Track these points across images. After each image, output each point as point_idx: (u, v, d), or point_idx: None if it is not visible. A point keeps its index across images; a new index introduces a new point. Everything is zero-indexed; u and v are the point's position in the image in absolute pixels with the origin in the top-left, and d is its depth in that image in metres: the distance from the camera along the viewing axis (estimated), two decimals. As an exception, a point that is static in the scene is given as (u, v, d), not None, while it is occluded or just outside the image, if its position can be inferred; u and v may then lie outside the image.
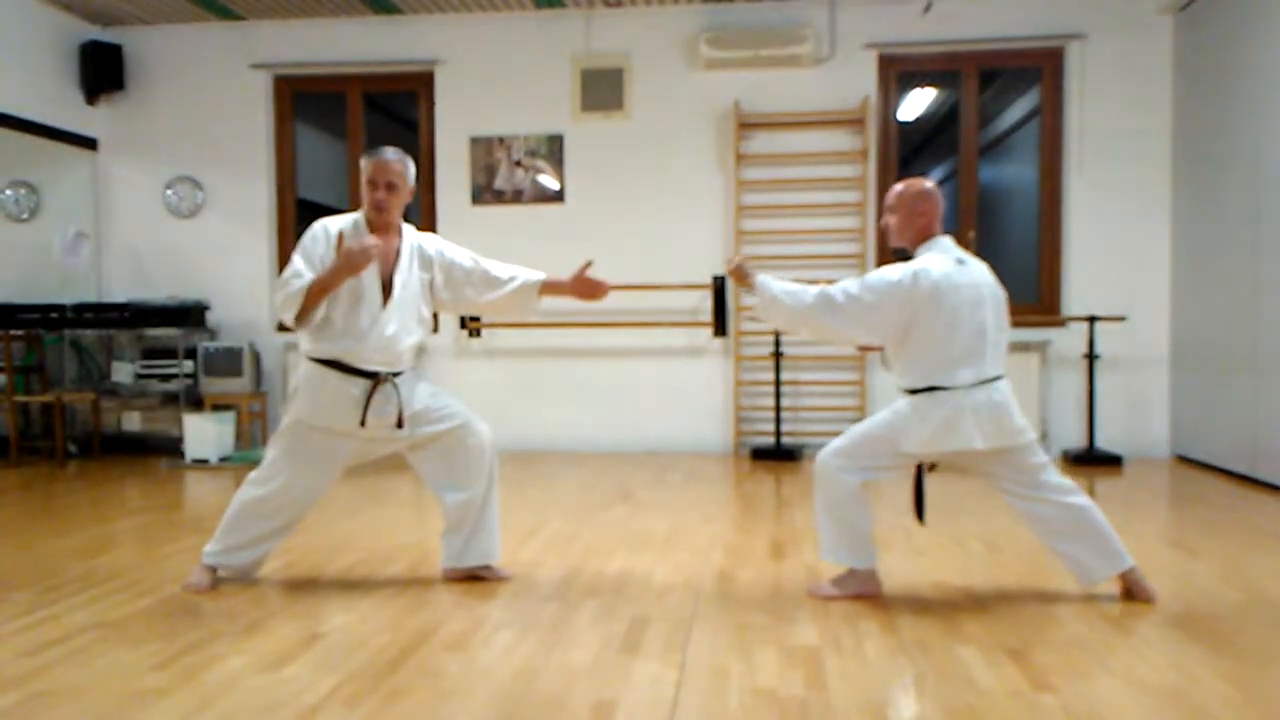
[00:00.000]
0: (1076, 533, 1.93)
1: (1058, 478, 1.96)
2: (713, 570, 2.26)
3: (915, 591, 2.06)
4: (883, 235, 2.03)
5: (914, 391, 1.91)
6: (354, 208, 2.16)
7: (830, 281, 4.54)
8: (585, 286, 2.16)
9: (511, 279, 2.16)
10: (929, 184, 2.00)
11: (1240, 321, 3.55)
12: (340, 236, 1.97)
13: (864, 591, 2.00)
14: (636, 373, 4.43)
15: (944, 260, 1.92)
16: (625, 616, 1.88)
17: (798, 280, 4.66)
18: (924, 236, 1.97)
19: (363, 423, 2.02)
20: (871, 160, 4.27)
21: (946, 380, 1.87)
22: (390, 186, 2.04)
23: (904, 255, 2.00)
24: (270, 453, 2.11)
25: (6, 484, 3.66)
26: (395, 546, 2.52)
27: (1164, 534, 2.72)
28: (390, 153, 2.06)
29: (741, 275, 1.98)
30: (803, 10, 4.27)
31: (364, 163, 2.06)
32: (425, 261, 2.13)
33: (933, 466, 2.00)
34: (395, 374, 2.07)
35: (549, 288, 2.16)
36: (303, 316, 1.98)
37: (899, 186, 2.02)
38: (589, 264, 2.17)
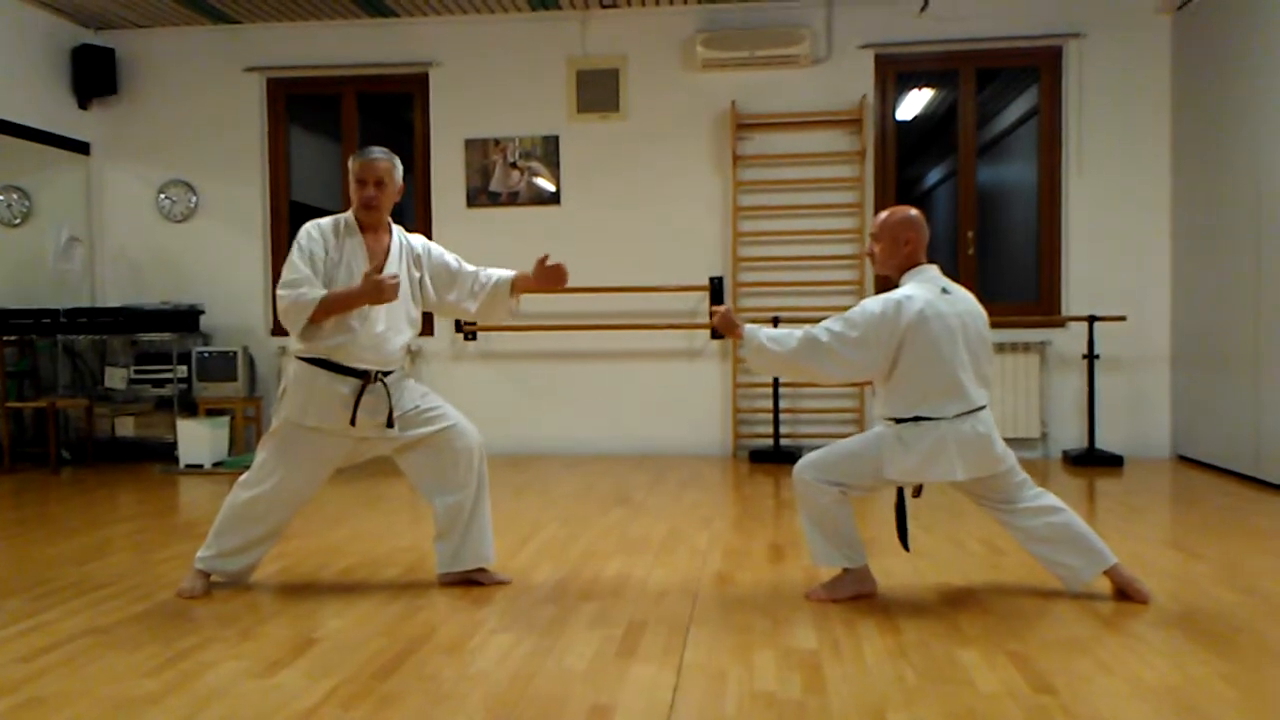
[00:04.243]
0: (1057, 538, 1.95)
1: (1033, 489, 2.00)
2: (711, 573, 2.25)
3: (915, 593, 2.06)
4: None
5: (899, 420, 1.92)
6: (347, 210, 2.15)
7: (829, 284, 4.57)
8: (547, 275, 2.14)
9: (489, 280, 2.16)
10: (913, 212, 2.01)
11: (1241, 321, 3.55)
12: (370, 272, 1.95)
13: (860, 590, 2.01)
14: (634, 375, 4.42)
15: (928, 289, 1.92)
16: (622, 620, 1.88)
17: (794, 284, 4.60)
18: (909, 264, 1.98)
19: (353, 422, 2.01)
20: (869, 161, 4.27)
21: (932, 411, 1.87)
22: (379, 184, 2.05)
23: (890, 283, 2.01)
24: (260, 454, 2.10)
25: (0, 491, 3.64)
26: (391, 551, 2.51)
27: (1164, 535, 2.72)
28: (378, 151, 2.07)
29: (729, 325, 1.98)
30: (799, 10, 4.28)
31: (351, 162, 2.07)
32: (415, 260, 2.13)
33: (917, 492, 2.01)
34: (385, 373, 2.07)
35: (521, 284, 2.16)
36: (308, 330, 1.98)
37: (883, 214, 2.02)
38: (545, 257, 2.15)
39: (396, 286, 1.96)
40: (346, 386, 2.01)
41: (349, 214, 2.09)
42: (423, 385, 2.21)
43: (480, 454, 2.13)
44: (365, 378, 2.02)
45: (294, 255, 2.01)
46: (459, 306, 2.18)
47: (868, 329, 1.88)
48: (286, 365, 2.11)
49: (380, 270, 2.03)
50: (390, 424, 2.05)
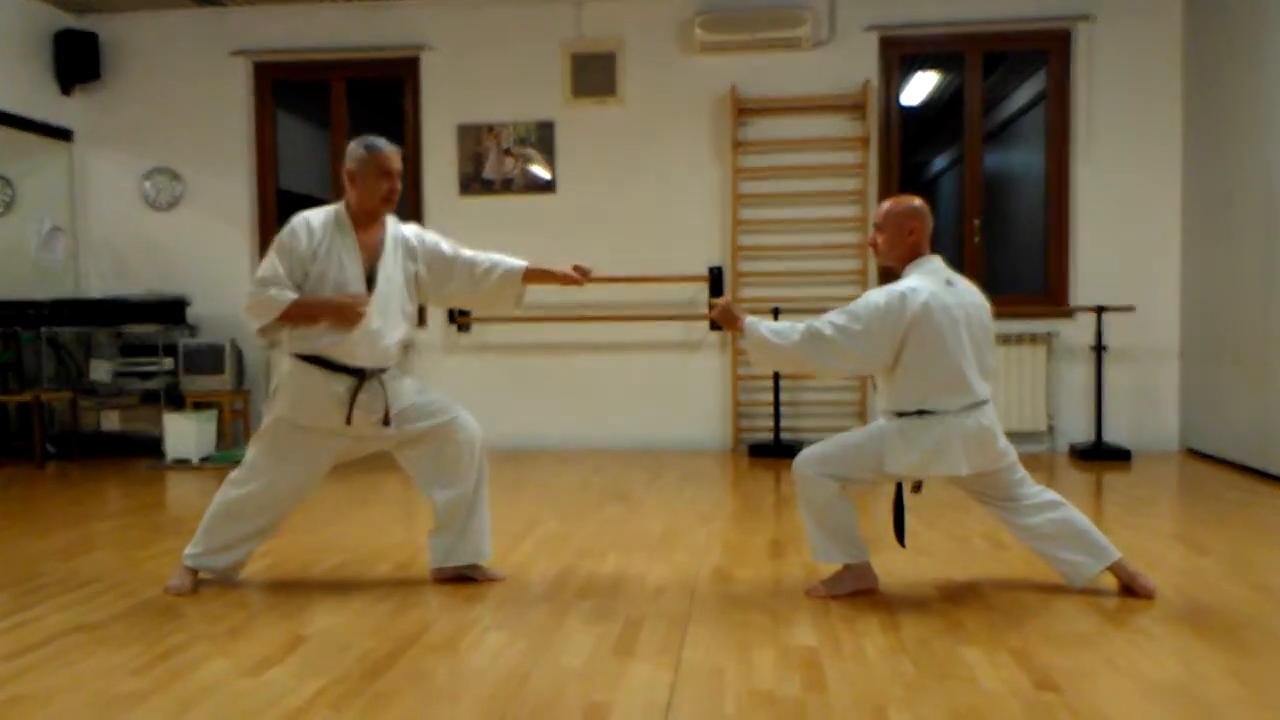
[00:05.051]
0: (1058, 534, 1.94)
1: (1033, 486, 1.99)
2: (709, 570, 2.23)
3: (916, 590, 2.03)
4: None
5: (902, 414, 1.89)
6: (339, 199, 2.08)
7: (831, 273, 4.52)
8: (570, 274, 2.11)
9: (494, 268, 2.10)
10: (917, 201, 1.98)
11: (1251, 312, 3.52)
12: (342, 297, 1.93)
13: (861, 586, 1.99)
14: (631, 368, 4.37)
15: (932, 281, 1.89)
16: (619, 617, 1.85)
17: (796, 273, 4.54)
18: (912, 255, 1.95)
19: (348, 420, 1.98)
20: (873, 146, 4.21)
21: (936, 405, 1.85)
22: (399, 176, 2.02)
23: (893, 274, 1.98)
24: (251, 452, 2.06)
25: (-15, 484, 3.60)
26: (382, 547, 2.48)
27: (1172, 529, 2.70)
28: (387, 143, 2.03)
29: (729, 318, 1.94)
30: (799, -7, 4.21)
31: (363, 153, 1.99)
32: (409, 253, 2.08)
33: (917, 487, 1.99)
34: (381, 370, 2.02)
35: (533, 275, 2.11)
36: (270, 329, 1.95)
37: (886, 204, 1.99)
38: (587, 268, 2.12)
39: (361, 316, 1.94)
40: (341, 384, 1.97)
41: (341, 206, 2.02)
42: (419, 380, 2.16)
43: (480, 447, 2.10)
44: (360, 375, 1.98)
45: (273, 252, 1.97)
46: (460, 297, 2.13)
47: (871, 322, 1.85)
48: (278, 361, 2.06)
49: (372, 275, 1.99)
50: (387, 422, 2.01)
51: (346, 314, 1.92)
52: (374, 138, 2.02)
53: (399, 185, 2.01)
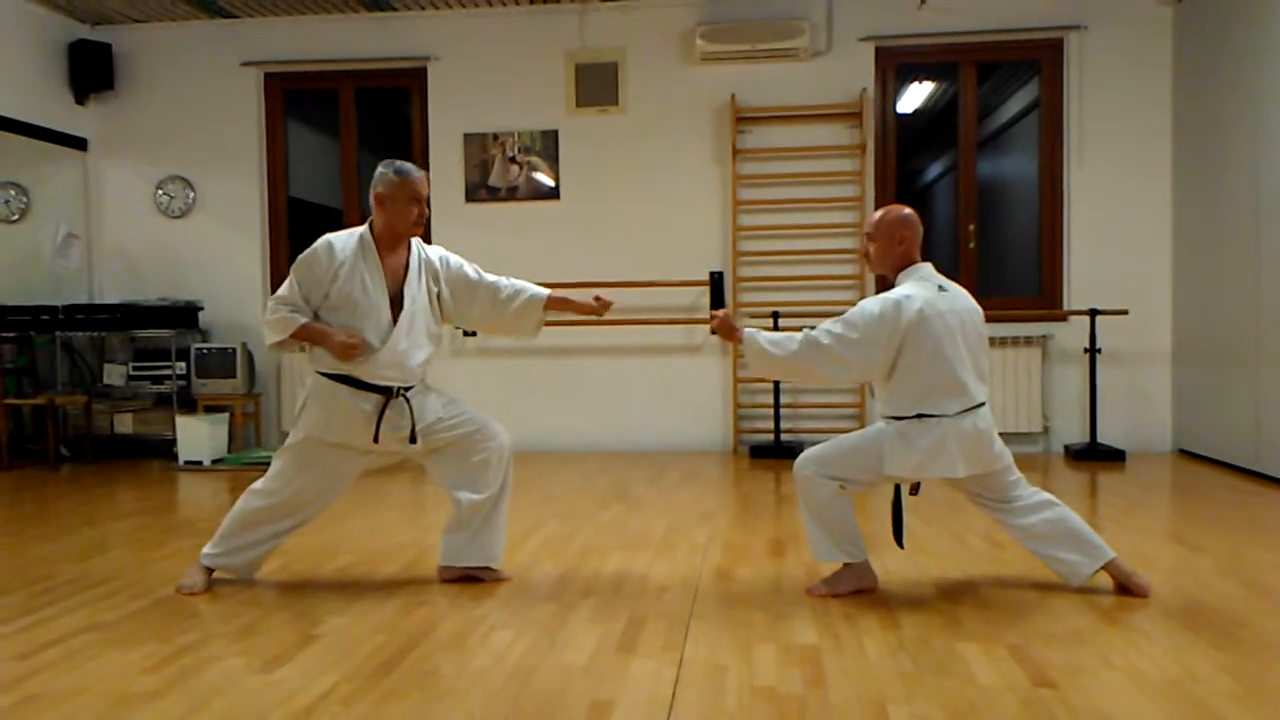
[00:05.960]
0: (1053, 534, 1.96)
1: (1028, 487, 2.01)
2: (711, 569, 2.25)
3: (915, 588, 2.06)
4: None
5: (900, 418, 1.92)
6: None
7: (829, 278, 4.57)
8: (592, 305, 2.14)
9: (517, 294, 2.12)
10: (907, 211, 2.01)
11: (1243, 314, 3.55)
12: (347, 337, 1.96)
13: (861, 585, 2.01)
14: (633, 370, 4.41)
15: (924, 288, 1.92)
16: (622, 616, 1.88)
17: (794, 278, 4.59)
18: (904, 263, 1.98)
19: (376, 439, 2.01)
20: (869, 154, 4.26)
21: (934, 409, 1.88)
22: (427, 201, 2.05)
23: (888, 281, 2.01)
24: (277, 464, 2.08)
25: (-1, 487, 3.64)
26: (391, 547, 2.51)
27: (1166, 529, 2.72)
28: (416, 168, 2.06)
29: (728, 330, 1.98)
30: (799, 3, 4.26)
31: (394, 178, 2.01)
32: (433, 275, 2.11)
33: (915, 489, 2.01)
34: (406, 388, 2.05)
35: (554, 304, 2.14)
36: (284, 345, 2.01)
37: (878, 214, 2.03)
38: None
39: (356, 357, 1.98)
40: (369, 403, 2.00)
41: (365, 229, 2.05)
42: (445, 394, 2.16)
43: (508, 457, 2.12)
44: (387, 393, 2.01)
45: (293, 272, 2.01)
46: (481, 320, 2.15)
47: (868, 330, 1.88)
48: (304, 377, 2.11)
49: (399, 292, 2.02)
50: (413, 439, 2.04)
51: (345, 354, 1.96)
52: (403, 163, 2.04)
53: (427, 210, 2.04)
